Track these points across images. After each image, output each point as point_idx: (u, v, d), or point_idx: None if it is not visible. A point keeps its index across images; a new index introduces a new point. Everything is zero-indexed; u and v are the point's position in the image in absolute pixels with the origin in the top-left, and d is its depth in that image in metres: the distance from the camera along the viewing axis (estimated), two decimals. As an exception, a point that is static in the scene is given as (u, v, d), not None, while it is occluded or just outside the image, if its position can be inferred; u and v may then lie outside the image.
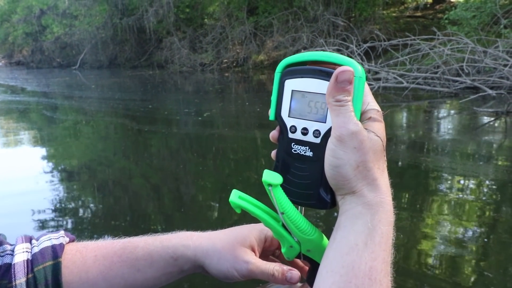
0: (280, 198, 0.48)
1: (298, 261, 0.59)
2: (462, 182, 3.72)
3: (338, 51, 10.48)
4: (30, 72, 21.05)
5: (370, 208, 0.44)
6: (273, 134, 0.52)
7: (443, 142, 5.06)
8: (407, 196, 3.38)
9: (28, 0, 24.67)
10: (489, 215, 3.05)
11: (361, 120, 0.46)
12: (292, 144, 0.49)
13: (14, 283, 0.54)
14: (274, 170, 0.51)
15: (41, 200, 3.68)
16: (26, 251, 0.59)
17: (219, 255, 0.58)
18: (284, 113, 0.50)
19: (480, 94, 6.84)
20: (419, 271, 2.33)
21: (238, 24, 15.99)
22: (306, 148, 0.49)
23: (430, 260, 2.45)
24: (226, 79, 13.26)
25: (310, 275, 0.54)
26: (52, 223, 3.23)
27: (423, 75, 8.23)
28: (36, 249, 0.59)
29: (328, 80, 0.45)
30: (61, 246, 0.60)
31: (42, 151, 5.80)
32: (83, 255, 0.60)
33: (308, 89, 0.48)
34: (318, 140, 0.48)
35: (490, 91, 6.91)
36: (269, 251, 0.63)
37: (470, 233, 2.79)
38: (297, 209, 0.50)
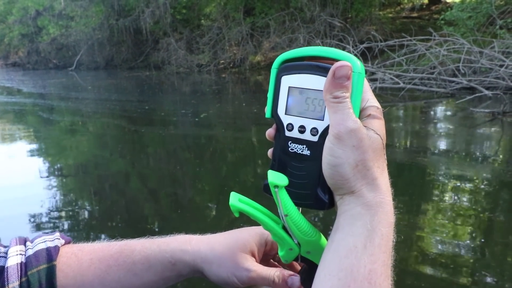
0: (285, 199, 0.47)
1: (296, 264, 0.59)
2: (458, 182, 3.72)
3: (335, 51, 10.48)
4: (26, 73, 20.97)
5: (370, 208, 0.42)
6: (269, 132, 0.50)
7: (440, 143, 5.08)
8: (404, 196, 3.39)
9: (24, 1, 24.59)
10: (486, 215, 3.06)
11: (360, 117, 0.45)
12: (289, 142, 0.48)
13: (7, 287, 0.53)
14: (271, 169, 0.50)
15: (38, 201, 3.66)
16: (20, 254, 0.57)
17: (219, 261, 0.56)
18: (281, 111, 0.49)
19: (476, 94, 6.87)
20: (416, 271, 2.33)
21: (235, 25, 15.98)
22: (303, 147, 0.47)
23: (427, 260, 2.45)
24: (223, 80, 13.26)
25: (306, 278, 0.53)
26: (49, 225, 3.22)
27: (420, 76, 8.25)
28: (30, 252, 0.57)
29: (325, 76, 0.44)
30: (56, 248, 0.59)
31: (39, 152, 5.78)
32: (79, 258, 0.59)
33: (305, 86, 0.47)
34: (315, 139, 0.46)
35: (486, 92, 6.93)
36: (269, 255, 0.61)
37: (467, 232, 2.80)
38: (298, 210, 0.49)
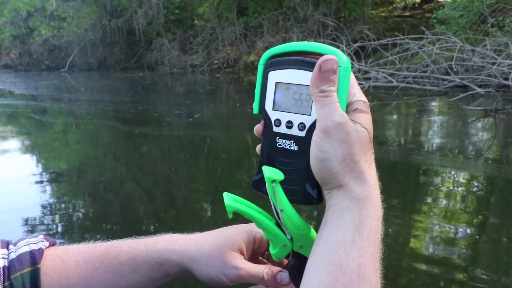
0: (281, 194, 0.47)
1: (285, 260, 0.58)
2: (452, 179, 3.75)
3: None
4: (18, 75, 20.79)
5: (358, 202, 0.43)
6: (257, 128, 0.50)
7: (433, 140, 5.10)
8: (397, 194, 3.40)
9: (15, 2, 24.38)
10: (480, 212, 3.08)
11: (347, 111, 0.45)
12: (277, 138, 0.48)
13: None
14: (259, 166, 0.50)
15: (30, 203, 3.63)
16: (3, 258, 0.56)
17: (207, 260, 0.56)
18: (268, 106, 0.48)
19: (469, 92, 6.92)
20: (410, 267, 2.34)
21: (228, 25, 15.97)
22: (291, 142, 0.47)
23: (421, 256, 2.46)
24: (217, 80, 13.24)
25: (297, 273, 0.53)
26: (42, 227, 3.19)
27: (413, 74, 8.29)
28: (13, 255, 0.56)
29: (312, 71, 0.44)
30: (40, 251, 0.57)
31: (31, 154, 5.73)
32: (64, 260, 0.57)
33: (292, 81, 0.47)
34: (303, 134, 0.46)
35: (478, 89, 6.99)
36: (258, 253, 0.61)
37: (461, 230, 2.81)
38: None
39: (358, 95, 0.46)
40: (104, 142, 6.30)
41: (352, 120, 0.44)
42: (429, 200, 3.31)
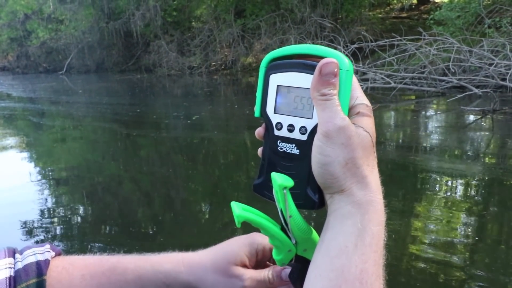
0: (290, 201, 0.46)
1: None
2: (450, 180, 3.75)
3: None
4: (15, 77, 20.76)
5: (360, 207, 0.42)
6: (259, 131, 0.50)
7: (431, 141, 5.11)
8: (396, 195, 3.40)
9: (13, 4, 24.34)
10: (478, 213, 3.08)
11: (349, 115, 0.44)
12: (278, 141, 0.48)
13: None
14: (260, 169, 0.50)
15: (29, 206, 3.61)
16: (9, 267, 0.55)
17: (212, 279, 0.56)
18: (270, 110, 0.48)
19: (467, 93, 6.94)
20: (409, 267, 2.34)
21: (226, 27, 15.98)
22: (292, 146, 0.47)
23: (420, 257, 2.46)
24: (214, 82, 13.24)
25: (298, 276, 0.52)
26: (40, 230, 3.18)
27: (410, 75, 8.31)
28: (19, 265, 0.56)
29: (313, 74, 0.44)
30: (46, 262, 0.57)
31: (29, 157, 5.71)
32: (70, 273, 0.57)
33: (293, 84, 0.46)
34: (304, 137, 0.46)
35: (476, 90, 7.01)
36: (262, 263, 0.61)
37: (459, 229, 2.82)
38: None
39: (360, 98, 0.46)
40: (102, 145, 6.29)
41: (354, 123, 0.43)
42: (427, 200, 3.31)
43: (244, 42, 15.57)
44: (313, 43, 11.45)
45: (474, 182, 3.68)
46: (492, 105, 5.87)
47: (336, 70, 0.43)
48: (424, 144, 4.94)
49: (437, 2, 14.50)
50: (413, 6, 16.01)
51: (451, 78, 7.66)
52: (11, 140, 6.70)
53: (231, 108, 8.52)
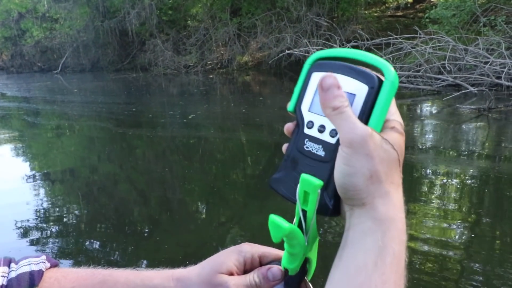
0: (315, 204, 0.45)
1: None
2: (446, 178, 3.76)
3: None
4: (10, 77, 20.64)
5: (381, 224, 0.40)
6: (288, 126, 0.49)
7: (427, 139, 5.13)
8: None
9: (6, 3, 24.15)
10: (474, 210, 3.09)
11: (382, 128, 0.43)
12: (306, 140, 0.46)
13: None
14: (282, 165, 0.48)
15: (24, 206, 3.59)
16: (2, 276, 0.56)
17: None
18: (304, 107, 0.47)
19: (462, 91, 6.96)
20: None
21: (222, 26, 15.96)
22: (319, 147, 0.45)
23: (417, 256, 2.46)
24: (210, 81, 13.22)
25: (291, 286, 0.51)
26: (35, 231, 3.15)
27: (406, 74, 8.33)
28: (13, 274, 0.56)
29: (357, 79, 0.43)
30: (40, 273, 0.57)
31: (24, 157, 5.68)
32: (61, 285, 0.57)
33: None
34: (333, 141, 0.44)
35: (471, 88, 7.03)
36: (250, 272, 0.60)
37: (455, 228, 2.82)
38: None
39: (395, 115, 0.44)
40: (98, 144, 6.26)
41: (383, 137, 0.41)
42: (422, 199, 3.32)
43: (240, 41, 15.55)
44: (309, 42, 11.45)
45: (470, 180, 3.69)
46: (487, 103, 5.90)
47: (335, 81, 0.41)
48: (419, 142, 4.95)
49: (432, 1, 14.55)
50: (409, 5, 16.06)
51: (447, 77, 7.69)
52: (5, 140, 6.65)
53: (227, 107, 8.50)
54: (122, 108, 8.84)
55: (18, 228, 3.22)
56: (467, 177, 3.75)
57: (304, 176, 0.45)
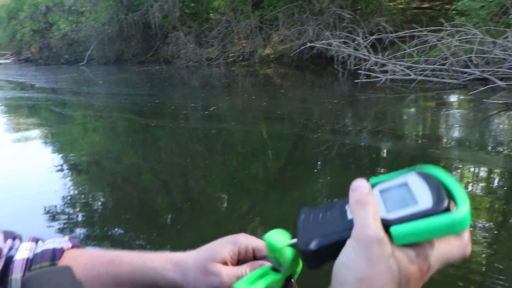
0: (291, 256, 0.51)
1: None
2: (472, 174, 3.69)
3: (345, 43, 10.42)
4: (38, 68, 21.20)
5: None
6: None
7: (452, 134, 5.03)
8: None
9: (35, -3, 24.81)
10: (500, 206, 3.03)
11: (409, 250, 0.40)
12: (346, 206, 0.46)
13: (10, 277, 0.58)
14: (322, 207, 0.49)
15: (51, 194, 3.72)
16: (30, 250, 0.62)
17: (193, 275, 0.58)
18: (377, 188, 0.45)
19: (490, 85, 6.77)
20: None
21: (244, 18, 15.94)
22: (350, 211, 0.45)
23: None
24: (232, 74, 13.25)
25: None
26: (63, 217, 3.28)
27: (431, 67, 8.15)
28: (38, 250, 0.63)
29: (431, 194, 0.41)
30: (61, 250, 0.63)
31: (51, 146, 5.86)
32: (77, 262, 0.62)
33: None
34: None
35: (499, 82, 6.83)
36: (244, 263, 0.61)
37: (479, 225, 2.78)
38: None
39: (434, 255, 0.40)
40: (121, 134, 6.40)
41: (393, 252, 0.38)
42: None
43: (262, 34, 15.51)
44: (331, 34, 11.31)
45: (496, 175, 3.61)
46: (515, 97, 5.73)
47: (362, 182, 0.43)
48: (444, 137, 4.86)
49: (460, -8, 14.12)
50: (435, -4, 15.64)
51: (474, 70, 7.48)
52: (34, 130, 6.88)
53: (248, 99, 8.53)
54: (145, 99, 8.98)
55: (45, 213, 3.35)
56: (492, 173, 3.67)
57: (267, 239, 0.50)
